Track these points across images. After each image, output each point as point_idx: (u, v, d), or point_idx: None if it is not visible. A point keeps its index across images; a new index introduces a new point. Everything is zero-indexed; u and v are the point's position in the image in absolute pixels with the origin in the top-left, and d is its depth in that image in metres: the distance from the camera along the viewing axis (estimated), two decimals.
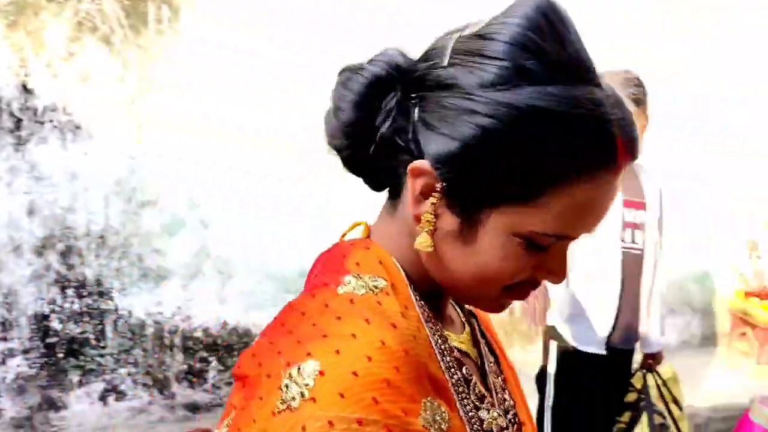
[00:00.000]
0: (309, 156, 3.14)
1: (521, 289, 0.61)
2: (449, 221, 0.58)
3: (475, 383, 0.63)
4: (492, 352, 0.73)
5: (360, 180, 0.65)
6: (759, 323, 2.95)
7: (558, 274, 0.60)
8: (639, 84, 2.04)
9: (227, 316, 3.25)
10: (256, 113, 3.57)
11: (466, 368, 0.63)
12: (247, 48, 3.50)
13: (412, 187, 0.57)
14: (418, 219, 0.58)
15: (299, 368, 0.50)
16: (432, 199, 0.57)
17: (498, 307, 0.64)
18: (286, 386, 0.50)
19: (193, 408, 3.17)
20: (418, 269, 0.62)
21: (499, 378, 0.70)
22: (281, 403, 0.49)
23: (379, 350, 0.52)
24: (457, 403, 0.59)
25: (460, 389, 0.60)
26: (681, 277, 3.51)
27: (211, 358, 3.22)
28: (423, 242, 0.58)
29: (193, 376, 3.19)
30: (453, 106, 0.53)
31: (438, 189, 0.56)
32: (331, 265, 0.63)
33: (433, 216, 0.57)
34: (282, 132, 3.46)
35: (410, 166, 0.56)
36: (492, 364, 0.70)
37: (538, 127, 0.51)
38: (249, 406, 0.52)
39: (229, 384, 3.25)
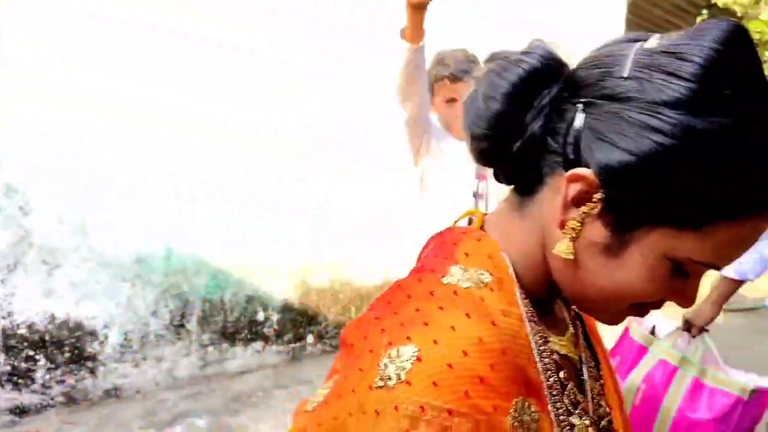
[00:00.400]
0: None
1: (645, 307, 0.62)
2: (598, 232, 0.57)
3: (571, 388, 0.64)
4: (594, 356, 0.73)
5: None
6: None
7: (689, 299, 0.61)
8: (475, 61, 2.23)
9: (55, 309, 3.02)
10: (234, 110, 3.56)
11: (564, 372, 0.64)
12: (247, 48, 3.51)
13: (565, 191, 0.56)
14: (562, 225, 0.58)
15: (398, 350, 0.53)
16: (584, 208, 0.56)
17: (616, 320, 0.64)
18: (385, 365, 0.53)
19: (20, 412, 2.92)
20: (532, 269, 0.63)
21: (598, 383, 0.71)
22: (379, 379, 0.52)
23: (475, 346, 0.53)
24: (550, 406, 0.60)
25: (554, 393, 0.61)
26: None
27: (38, 357, 2.98)
28: (565, 249, 0.58)
29: (19, 377, 2.93)
30: (633, 120, 0.52)
31: (595, 199, 0.55)
32: (441, 251, 0.65)
33: (579, 224, 0.57)
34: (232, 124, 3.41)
35: (571, 172, 0.55)
36: (592, 369, 0.71)
37: (724, 156, 0.51)
38: (350, 375, 0.55)
39: (61, 382, 3.04)
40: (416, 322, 0.55)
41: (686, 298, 0.61)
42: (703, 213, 0.53)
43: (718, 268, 0.58)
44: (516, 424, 0.55)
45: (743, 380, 2.04)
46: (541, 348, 0.61)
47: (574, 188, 0.56)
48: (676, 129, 0.51)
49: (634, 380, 2.13)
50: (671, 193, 0.52)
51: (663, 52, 0.53)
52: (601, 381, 0.72)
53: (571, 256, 0.58)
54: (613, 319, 0.64)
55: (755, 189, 0.52)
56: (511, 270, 0.62)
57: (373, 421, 0.51)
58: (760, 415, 2.08)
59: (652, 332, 2.21)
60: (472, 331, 0.54)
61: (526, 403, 0.56)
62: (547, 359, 0.61)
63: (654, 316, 2.20)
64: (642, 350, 2.18)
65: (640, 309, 0.62)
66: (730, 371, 2.09)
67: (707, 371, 2.06)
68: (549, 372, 0.61)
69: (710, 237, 0.54)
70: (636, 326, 2.22)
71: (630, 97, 0.53)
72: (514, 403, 0.55)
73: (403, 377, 0.51)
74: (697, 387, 2.05)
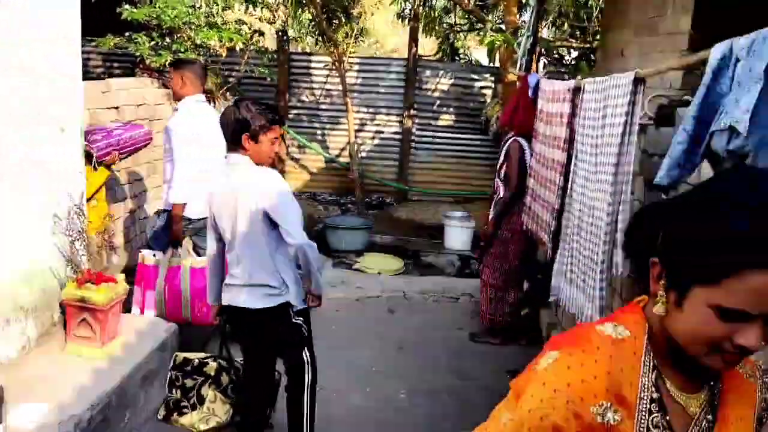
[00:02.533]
0: None
1: (730, 354, 0.86)
2: (671, 296, 0.90)
3: (666, 427, 0.93)
4: (713, 422, 0.96)
5: None
6: (98, 305, 3.16)
7: (749, 344, 0.82)
8: None
9: None
10: None
11: (670, 414, 0.94)
12: None
13: (651, 273, 0.93)
14: (654, 294, 0.92)
15: (551, 353, 0.96)
16: (662, 281, 0.91)
17: (716, 365, 0.88)
18: (544, 358, 0.96)
19: None
20: (660, 332, 0.95)
21: None
22: (542, 368, 0.95)
23: (585, 383, 0.90)
24: (636, 421, 0.91)
25: (643, 412, 0.92)
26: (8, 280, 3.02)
27: None
28: (657, 308, 0.92)
29: None
30: None
31: (663, 275, 0.91)
32: (615, 313, 1.03)
33: (664, 292, 0.91)
34: None
35: (651, 259, 0.92)
36: (703, 429, 0.95)
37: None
38: (539, 360, 0.97)
39: None
40: (570, 345, 0.96)
41: (746, 343, 0.82)
42: (719, 270, 0.82)
43: (754, 315, 0.81)
44: (600, 418, 0.89)
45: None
46: (645, 383, 0.93)
47: (655, 270, 0.92)
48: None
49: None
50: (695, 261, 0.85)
51: None
52: None
53: (663, 314, 0.91)
54: (714, 363, 0.88)
55: (756, 249, 0.79)
56: (645, 333, 0.95)
57: (529, 383, 0.94)
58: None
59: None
60: (587, 373, 0.91)
61: (613, 408, 0.90)
62: (648, 392, 0.93)
63: None
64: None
65: (723, 355, 0.86)
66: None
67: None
68: (644, 399, 0.92)
69: (731, 288, 0.81)
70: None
71: None
72: (601, 402, 0.89)
73: (548, 368, 0.94)
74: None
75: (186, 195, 3.83)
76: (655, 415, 0.92)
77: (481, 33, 8.46)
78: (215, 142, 3.65)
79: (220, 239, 2.90)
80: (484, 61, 9.24)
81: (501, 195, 4.66)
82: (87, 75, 9.08)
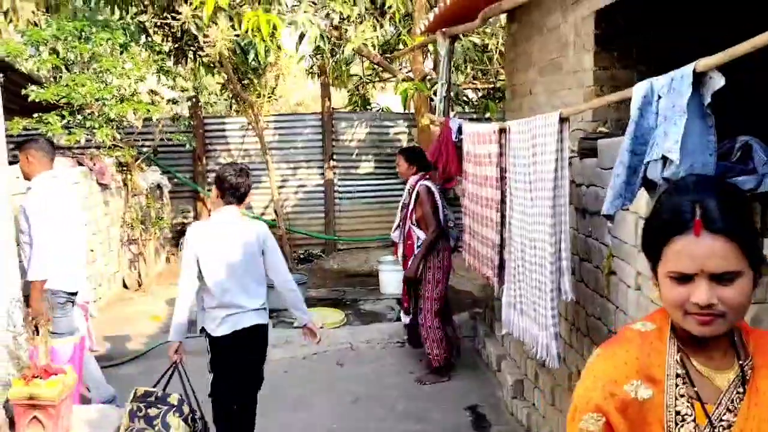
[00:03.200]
0: None
1: (698, 315, 1.05)
2: (655, 281, 1.15)
3: (695, 403, 1.11)
4: (741, 396, 1.10)
5: None
6: (48, 400, 2.91)
7: (701, 300, 1.03)
8: None
9: None
10: None
11: (698, 386, 1.11)
12: None
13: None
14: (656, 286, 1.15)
15: (595, 351, 1.21)
16: (651, 272, 1.17)
17: (692, 328, 1.07)
18: (591, 356, 1.22)
19: None
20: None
21: (730, 415, 1.09)
22: (588, 363, 1.20)
23: (618, 368, 1.14)
24: (666, 396, 1.11)
25: (671, 386, 1.11)
26: None
27: None
28: (653, 295, 1.24)
29: None
30: None
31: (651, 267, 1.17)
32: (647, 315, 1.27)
33: (655, 280, 1.14)
34: None
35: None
36: (731, 404, 1.10)
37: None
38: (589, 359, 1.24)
39: None
40: (608, 342, 1.22)
41: (698, 296, 1.04)
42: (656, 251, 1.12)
43: (685, 274, 1.05)
44: (632, 394, 1.10)
45: None
46: (670, 361, 1.12)
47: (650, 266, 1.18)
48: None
49: None
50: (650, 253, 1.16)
51: None
52: (736, 419, 1.08)
53: (658, 297, 1.15)
54: (691, 327, 1.07)
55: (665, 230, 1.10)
56: (669, 325, 1.15)
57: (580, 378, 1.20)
58: None
59: None
60: (616, 361, 1.15)
61: (644, 385, 1.11)
62: (673, 369, 1.12)
63: None
64: None
65: (694, 316, 1.06)
66: None
67: None
68: (671, 376, 1.11)
69: (669, 255, 1.08)
70: None
71: None
72: (632, 382, 1.11)
73: (592, 361, 1.19)
74: None
75: (47, 271, 3.78)
76: (682, 387, 1.10)
77: (390, 82, 8.83)
78: (71, 216, 4.04)
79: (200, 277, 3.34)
80: (395, 108, 9.61)
81: (420, 237, 4.81)
82: None
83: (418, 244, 4.86)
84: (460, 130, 4.50)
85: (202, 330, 3.44)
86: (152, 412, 3.14)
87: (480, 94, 8.64)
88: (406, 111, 8.32)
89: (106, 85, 6.20)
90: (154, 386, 3.26)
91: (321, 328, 6.27)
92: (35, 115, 6.09)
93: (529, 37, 4.47)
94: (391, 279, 7.32)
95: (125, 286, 7.52)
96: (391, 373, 5.13)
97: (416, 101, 7.22)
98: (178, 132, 7.59)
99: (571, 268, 2.94)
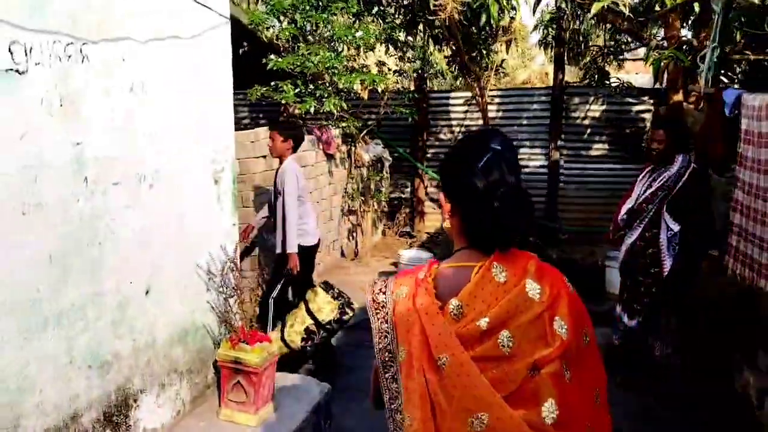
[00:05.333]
0: None
1: None
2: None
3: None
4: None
5: None
6: (252, 367, 2.98)
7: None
8: None
9: None
10: None
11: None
12: None
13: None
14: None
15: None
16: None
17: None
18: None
19: None
20: None
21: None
22: None
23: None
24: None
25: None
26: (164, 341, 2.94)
27: None
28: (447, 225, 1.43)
29: None
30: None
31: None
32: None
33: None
34: None
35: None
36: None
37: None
38: None
39: None
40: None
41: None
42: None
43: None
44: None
45: None
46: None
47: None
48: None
49: None
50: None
51: None
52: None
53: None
54: None
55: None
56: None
57: None
58: None
59: None
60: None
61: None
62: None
63: None
64: None
65: None
66: None
67: None
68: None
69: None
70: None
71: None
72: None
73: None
74: None
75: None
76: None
77: (631, 60, 7.70)
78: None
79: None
80: (637, 84, 8.45)
81: (673, 229, 3.99)
82: (235, 126, 9.49)
83: (669, 235, 4.04)
84: (735, 104, 3.56)
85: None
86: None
87: (746, 67, 7.13)
88: (657, 86, 7.18)
89: (338, 54, 6.24)
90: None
91: None
92: (272, 83, 6.36)
93: None
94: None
95: (342, 254, 7.70)
96: (615, 392, 4.39)
97: (670, 73, 6.14)
98: (401, 105, 7.46)
99: None
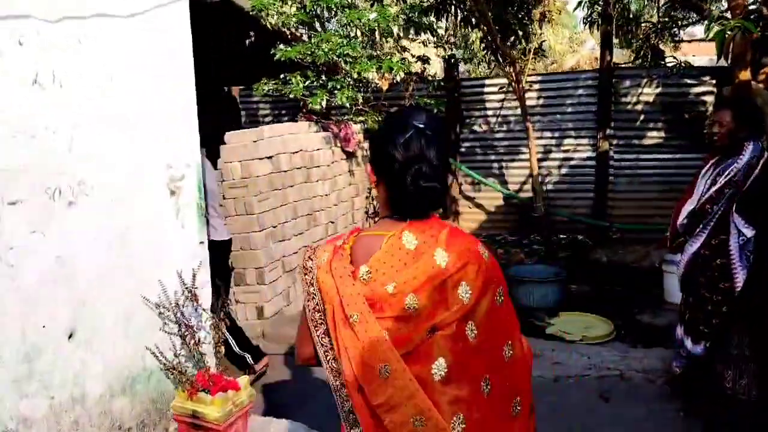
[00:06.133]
0: None
1: None
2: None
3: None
4: None
5: None
6: (212, 423, 2.47)
7: None
8: None
9: None
10: None
11: None
12: None
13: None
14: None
15: None
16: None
17: None
18: None
19: None
20: None
21: None
22: None
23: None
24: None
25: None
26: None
27: None
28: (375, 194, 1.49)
29: None
30: None
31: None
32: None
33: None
34: None
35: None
36: None
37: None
38: None
39: None
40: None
41: None
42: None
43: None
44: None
45: None
46: None
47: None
48: None
49: None
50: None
51: None
52: None
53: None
54: None
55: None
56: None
57: None
58: None
59: None
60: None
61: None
62: None
63: None
64: None
65: None
66: None
67: None
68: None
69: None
70: None
71: None
72: None
73: None
74: None
75: None
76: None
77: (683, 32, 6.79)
78: None
79: None
80: (696, 63, 7.51)
81: (745, 234, 3.24)
82: (257, 123, 8.99)
83: (741, 242, 3.29)
84: None
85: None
86: None
87: None
88: (720, 64, 6.27)
89: (350, 40, 5.60)
90: None
91: (580, 341, 4.95)
92: (282, 75, 5.79)
93: None
94: None
95: None
96: (681, 427, 3.63)
97: (736, 47, 5.26)
98: (428, 95, 6.77)
99: None
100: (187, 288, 2.54)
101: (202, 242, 2.85)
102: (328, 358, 1.42)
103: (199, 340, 2.51)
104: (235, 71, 6.79)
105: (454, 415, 1.33)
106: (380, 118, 6.64)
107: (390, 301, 1.33)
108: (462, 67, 7.97)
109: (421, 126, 1.40)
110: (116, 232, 2.40)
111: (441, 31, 6.88)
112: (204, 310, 2.61)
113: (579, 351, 4.64)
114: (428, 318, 1.33)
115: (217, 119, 6.12)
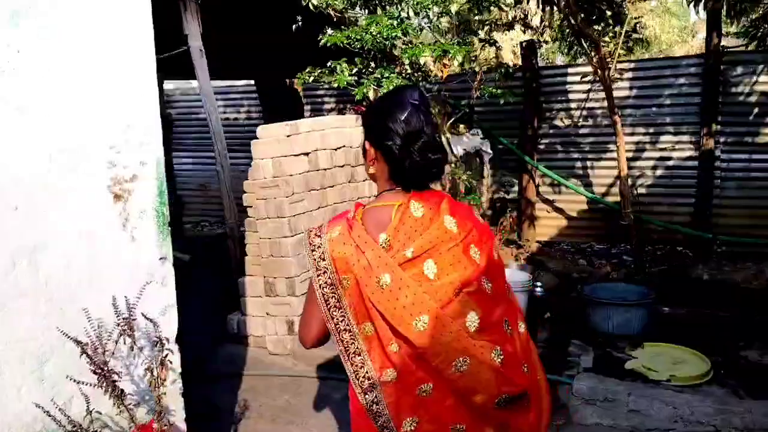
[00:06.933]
0: None
1: None
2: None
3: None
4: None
5: None
6: None
7: None
8: None
9: None
10: None
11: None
12: None
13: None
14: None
15: None
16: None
17: None
18: None
19: None
20: None
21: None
22: None
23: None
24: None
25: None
26: None
27: None
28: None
29: None
30: None
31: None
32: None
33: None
34: None
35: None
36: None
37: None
38: None
39: None
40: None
41: None
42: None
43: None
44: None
45: None
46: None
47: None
48: None
49: None
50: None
51: None
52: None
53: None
54: None
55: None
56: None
57: None
58: None
59: None
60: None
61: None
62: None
63: None
64: None
65: None
66: None
67: None
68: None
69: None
70: None
71: None
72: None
73: None
74: None
75: None
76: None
77: None
78: None
79: None
80: None
81: None
82: (316, 115, 8.53)
83: None
84: None
85: None
86: None
87: None
88: None
89: (402, 21, 4.94)
90: None
91: (667, 381, 4.03)
92: (329, 63, 5.24)
93: None
94: None
95: None
96: None
97: None
98: (498, 85, 5.98)
99: None
100: (122, 319, 2.00)
101: (163, 258, 2.31)
102: (339, 328, 1.50)
103: (122, 392, 1.96)
104: (292, 62, 6.36)
105: (492, 350, 1.47)
106: (447, 110, 5.97)
107: (409, 265, 1.45)
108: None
109: (417, 102, 1.51)
110: (24, 250, 1.89)
111: (511, 13, 6.05)
112: (157, 342, 2.06)
113: (663, 398, 3.74)
114: (448, 278, 1.46)
115: (278, 115, 5.67)
